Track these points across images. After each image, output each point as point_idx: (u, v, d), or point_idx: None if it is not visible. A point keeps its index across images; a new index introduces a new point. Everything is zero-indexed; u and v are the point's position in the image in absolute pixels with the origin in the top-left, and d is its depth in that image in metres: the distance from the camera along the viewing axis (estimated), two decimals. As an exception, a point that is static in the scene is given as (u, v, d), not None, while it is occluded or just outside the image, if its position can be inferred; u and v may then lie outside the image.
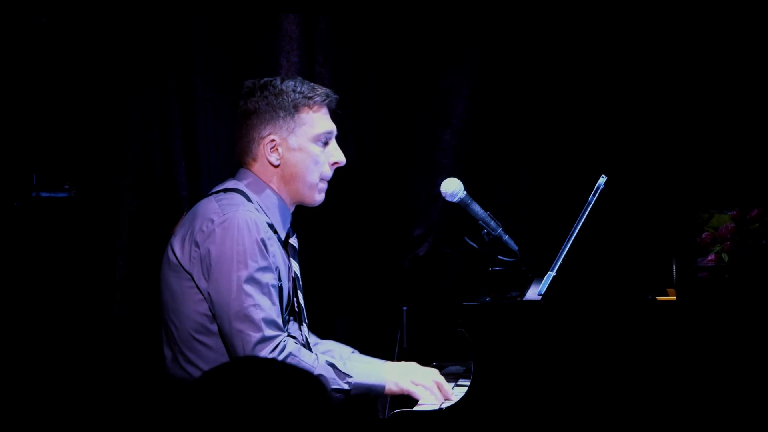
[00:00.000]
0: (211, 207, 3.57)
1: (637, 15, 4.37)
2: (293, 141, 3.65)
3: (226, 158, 4.16)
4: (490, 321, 3.37)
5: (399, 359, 3.93)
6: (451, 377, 3.77)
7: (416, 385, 3.57)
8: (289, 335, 3.57)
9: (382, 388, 3.56)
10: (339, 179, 3.80)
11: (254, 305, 3.46)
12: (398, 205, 4.54)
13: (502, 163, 4.52)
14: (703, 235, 3.47)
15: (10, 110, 4.05)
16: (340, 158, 3.71)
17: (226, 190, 3.63)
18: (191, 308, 3.54)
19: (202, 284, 3.52)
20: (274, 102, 3.64)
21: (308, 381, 2.00)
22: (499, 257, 3.82)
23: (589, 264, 4.06)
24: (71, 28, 4.12)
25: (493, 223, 3.80)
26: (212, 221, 3.52)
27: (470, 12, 4.46)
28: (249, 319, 3.45)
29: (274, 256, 3.55)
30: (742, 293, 3.36)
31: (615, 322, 3.35)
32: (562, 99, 4.45)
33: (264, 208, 3.62)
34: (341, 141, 3.76)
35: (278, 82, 3.67)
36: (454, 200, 3.81)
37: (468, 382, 3.39)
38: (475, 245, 3.80)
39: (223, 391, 1.98)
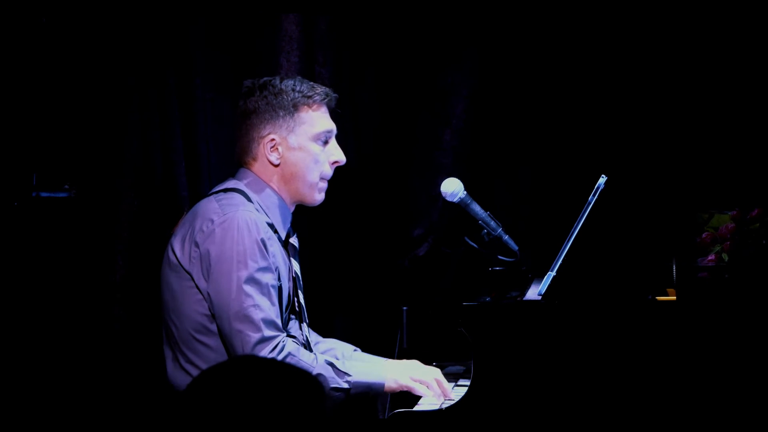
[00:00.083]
0: (211, 207, 3.57)
1: (637, 15, 4.37)
2: (293, 140, 3.64)
3: (226, 158, 4.16)
4: (490, 321, 3.37)
5: (399, 359, 3.93)
6: (451, 377, 3.77)
7: (416, 381, 3.57)
8: (289, 335, 3.58)
9: (382, 386, 3.56)
10: (339, 179, 3.80)
11: (254, 305, 3.46)
12: (398, 205, 4.54)
13: (502, 163, 4.53)
14: (703, 235, 3.47)
15: (11, 110, 4.05)
16: (341, 157, 3.71)
17: (226, 190, 3.62)
18: (191, 308, 3.54)
19: (202, 284, 3.52)
20: (274, 101, 3.64)
21: (306, 380, 2.00)
22: (499, 257, 3.82)
23: (589, 264, 4.06)
24: (71, 28, 4.12)
25: (493, 223, 3.80)
26: (212, 221, 3.52)
27: (470, 12, 4.46)
28: (248, 320, 3.45)
29: (274, 255, 3.55)
30: (742, 293, 3.36)
31: (615, 322, 3.35)
32: (562, 99, 4.45)
33: (264, 208, 3.62)
34: (341, 141, 3.76)
35: (278, 82, 3.66)
36: (454, 200, 3.81)
37: (468, 382, 3.39)
38: (475, 245, 3.80)
39: (221, 389, 1.98)
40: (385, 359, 3.73)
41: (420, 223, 4.53)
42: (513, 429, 3.33)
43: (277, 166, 3.65)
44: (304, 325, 3.72)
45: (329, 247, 4.52)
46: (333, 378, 3.50)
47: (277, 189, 3.66)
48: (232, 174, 3.70)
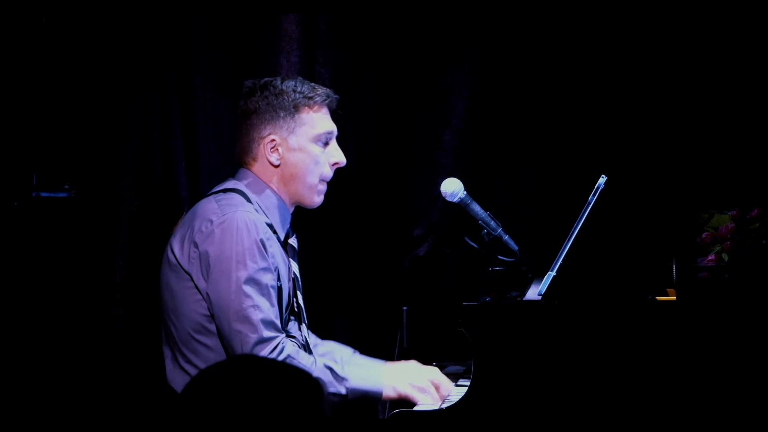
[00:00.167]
0: (210, 207, 3.57)
1: (637, 15, 4.37)
2: (293, 141, 3.64)
3: (226, 158, 4.16)
4: (490, 321, 3.37)
5: (399, 359, 3.93)
6: (451, 377, 3.77)
7: (413, 388, 3.56)
8: (288, 336, 3.57)
9: (380, 393, 3.55)
10: (339, 179, 3.80)
11: (253, 306, 3.46)
12: (398, 205, 4.54)
13: (502, 163, 4.53)
14: (703, 235, 3.47)
15: (11, 110, 4.05)
16: (341, 158, 3.71)
17: (225, 191, 3.62)
18: (190, 308, 3.54)
19: (201, 284, 3.51)
20: (275, 102, 3.64)
21: (305, 380, 2.00)
22: (499, 257, 3.82)
23: (589, 264, 4.06)
24: (71, 28, 4.12)
25: (493, 223, 3.80)
26: (211, 222, 3.52)
27: (470, 12, 4.46)
28: (248, 320, 3.45)
29: (273, 256, 3.55)
30: (742, 293, 3.36)
31: (615, 322, 3.35)
32: (562, 99, 4.45)
33: (263, 209, 3.62)
34: (341, 141, 3.76)
35: (278, 82, 3.66)
36: (454, 200, 3.80)
37: (468, 382, 3.39)
38: (475, 245, 3.80)
39: (220, 389, 1.98)
40: (384, 363, 3.71)
41: (420, 223, 4.54)
42: (513, 429, 3.33)
43: (277, 166, 3.65)
44: (303, 327, 3.72)
45: (329, 247, 4.52)
46: (331, 383, 3.49)
47: (276, 190, 3.66)
48: (232, 174, 3.70)
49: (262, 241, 3.50)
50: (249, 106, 3.66)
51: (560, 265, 3.51)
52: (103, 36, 4.15)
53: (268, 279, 3.50)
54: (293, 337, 3.62)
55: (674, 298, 3.43)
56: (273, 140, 3.64)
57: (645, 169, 4.37)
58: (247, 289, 3.46)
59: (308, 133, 3.65)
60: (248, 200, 3.59)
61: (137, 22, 4.18)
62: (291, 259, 3.70)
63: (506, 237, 3.80)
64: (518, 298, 3.58)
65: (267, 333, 3.45)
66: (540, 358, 3.33)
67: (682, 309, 3.35)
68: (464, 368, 3.86)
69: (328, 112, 3.70)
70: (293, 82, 3.67)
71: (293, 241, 3.74)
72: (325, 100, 3.68)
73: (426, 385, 3.57)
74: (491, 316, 3.37)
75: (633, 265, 4.21)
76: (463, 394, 3.37)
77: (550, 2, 4.43)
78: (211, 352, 3.53)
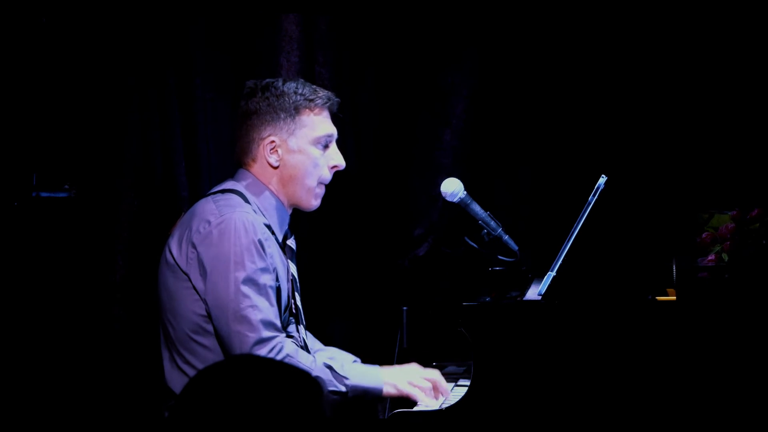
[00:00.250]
0: (208, 208, 3.56)
1: (636, 15, 4.37)
2: (293, 143, 3.64)
3: (226, 158, 4.16)
4: (490, 321, 3.37)
5: (399, 359, 3.93)
6: (451, 377, 3.77)
7: (413, 386, 3.57)
8: (288, 335, 3.57)
9: (380, 390, 3.55)
10: (339, 179, 3.80)
11: (252, 306, 3.45)
12: (398, 205, 4.54)
13: (502, 163, 4.53)
14: (703, 235, 3.47)
15: (11, 110, 4.05)
16: (340, 162, 3.70)
17: (224, 191, 3.62)
18: (188, 309, 3.53)
19: (199, 285, 3.51)
20: (275, 103, 3.64)
21: (305, 380, 2.00)
22: (499, 257, 3.82)
23: (589, 264, 4.06)
24: (71, 28, 4.12)
25: (493, 223, 3.80)
26: (209, 222, 3.51)
27: (470, 12, 4.46)
28: (246, 321, 3.45)
29: (271, 257, 3.54)
30: (742, 293, 3.36)
31: (615, 322, 3.35)
32: (562, 99, 4.45)
33: (262, 210, 3.62)
34: (341, 142, 3.76)
35: (280, 84, 3.66)
36: (454, 200, 3.80)
37: (468, 382, 3.39)
38: (475, 245, 3.80)
39: (219, 388, 1.98)
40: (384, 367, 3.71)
41: (420, 223, 4.54)
42: (513, 429, 3.33)
43: (276, 168, 3.65)
44: (301, 328, 3.72)
45: (330, 247, 4.52)
46: (331, 381, 3.49)
47: (275, 191, 3.65)
48: (232, 175, 3.70)
49: (260, 242, 3.49)
50: (250, 107, 3.66)
51: (560, 265, 3.51)
52: (103, 36, 4.15)
53: (267, 279, 3.50)
54: (292, 337, 3.62)
55: (674, 298, 3.43)
56: (273, 141, 3.63)
57: (645, 170, 4.37)
58: (246, 289, 3.46)
59: (308, 135, 3.65)
60: (246, 201, 3.59)
61: (137, 22, 4.18)
62: (289, 261, 3.70)
63: (506, 237, 3.80)
64: (518, 298, 3.58)
65: (266, 333, 3.45)
66: (540, 358, 3.33)
67: (682, 309, 3.35)
68: (464, 368, 3.86)
69: (328, 115, 3.70)
70: (295, 84, 3.66)
71: (291, 242, 3.74)
72: (326, 102, 3.68)
73: (424, 385, 3.57)
74: (491, 316, 3.37)
75: (633, 265, 4.22)
76: (463, 394, 3.37)
77: (550, 2, 4.43)
78: (209, 353, 3.52)
